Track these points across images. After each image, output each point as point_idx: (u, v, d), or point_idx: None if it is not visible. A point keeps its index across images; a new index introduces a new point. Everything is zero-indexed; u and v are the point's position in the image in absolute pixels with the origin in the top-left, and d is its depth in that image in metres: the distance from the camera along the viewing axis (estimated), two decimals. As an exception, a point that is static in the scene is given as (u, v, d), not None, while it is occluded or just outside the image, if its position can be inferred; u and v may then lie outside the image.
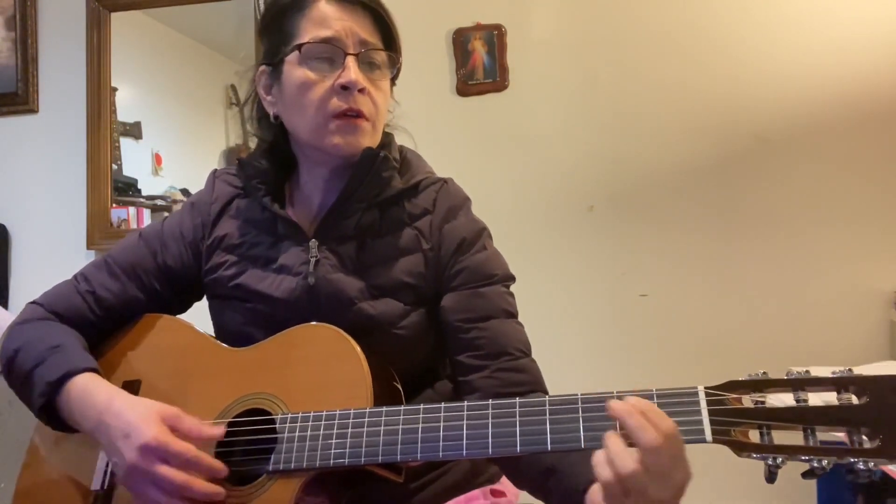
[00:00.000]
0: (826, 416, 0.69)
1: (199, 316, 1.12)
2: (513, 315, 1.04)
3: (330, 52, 0.99)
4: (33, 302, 1.07)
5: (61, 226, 2.56)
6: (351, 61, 0.99)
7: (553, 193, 2.27)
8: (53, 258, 2.54)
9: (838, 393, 0.69)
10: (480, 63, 2.30)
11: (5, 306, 2.50)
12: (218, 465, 0.88)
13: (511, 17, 2.29)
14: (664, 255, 2.20)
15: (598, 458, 0.72)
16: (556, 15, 2.29)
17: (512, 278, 1.07)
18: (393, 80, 1.08)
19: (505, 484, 1.09)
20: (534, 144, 2.28)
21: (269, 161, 1.08)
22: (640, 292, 2.21)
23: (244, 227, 1.07)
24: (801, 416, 0.70)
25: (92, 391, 0.93)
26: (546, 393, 1.00)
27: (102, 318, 1.06)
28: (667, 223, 2.21)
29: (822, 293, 2.11)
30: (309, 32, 1.00)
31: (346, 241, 1.03)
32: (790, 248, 2.13)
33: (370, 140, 1.02)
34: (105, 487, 0.97)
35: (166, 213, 2.51)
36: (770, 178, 2.15)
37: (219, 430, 0.90)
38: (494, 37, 2.28)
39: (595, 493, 0.77)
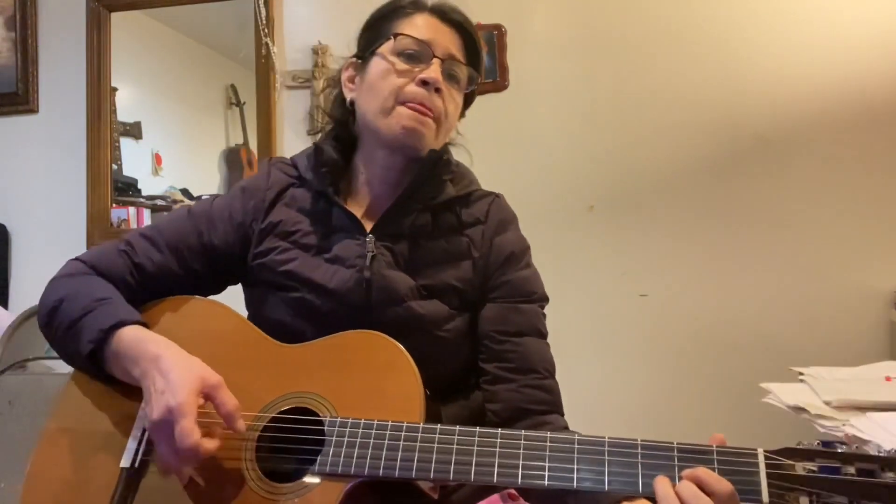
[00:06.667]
0: (871, 491, 0.73)
1: (230, 302, 1.10)
2: (543, 336, 1.09)
3: (420, 51, 1.05)
4: (75, 258, 1.10)
5: (61, 226, 2.56)
6: (436, 63, 1.05)
7: (553, 193, 2.27)
8: (53, 258, 2.49)
9: (882, 471, 0.74)
10: (480, 63, 2.30)
11: (5, 306, 2.50)
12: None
13: (511, 17, 2.29)
14: (664, 255, 2.20)
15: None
16: (556, 15, 2.29)
17: (547, 299, 1.12)
18: (467, 103, 1.16)
19: None
20: (534, 144, 2.28)
21: (337, 151, 1.11)
22: (640, 292, 2.21)
23: (298, 215, 1.09)
24: (850, 489, 0.74)
25: (145, 339, 0.94)
26: (562, 415, 1.05)
27: (140, 283, 1.07)
28: (667, 223, 2.21)
29: (822, 293, 2.10)
30: (407, 31, 1.07)
31: (400, 240, 1.06)
32: (790, 247, 2.13)
33: (431, 141, 1.06)
34: (136, 465, 0.93)
35: (166, 214, 2.51)
36: (770, 177, 2.15)
37: (242, 426, 0.89)
38: (494, 37, 2.28)
39: None
